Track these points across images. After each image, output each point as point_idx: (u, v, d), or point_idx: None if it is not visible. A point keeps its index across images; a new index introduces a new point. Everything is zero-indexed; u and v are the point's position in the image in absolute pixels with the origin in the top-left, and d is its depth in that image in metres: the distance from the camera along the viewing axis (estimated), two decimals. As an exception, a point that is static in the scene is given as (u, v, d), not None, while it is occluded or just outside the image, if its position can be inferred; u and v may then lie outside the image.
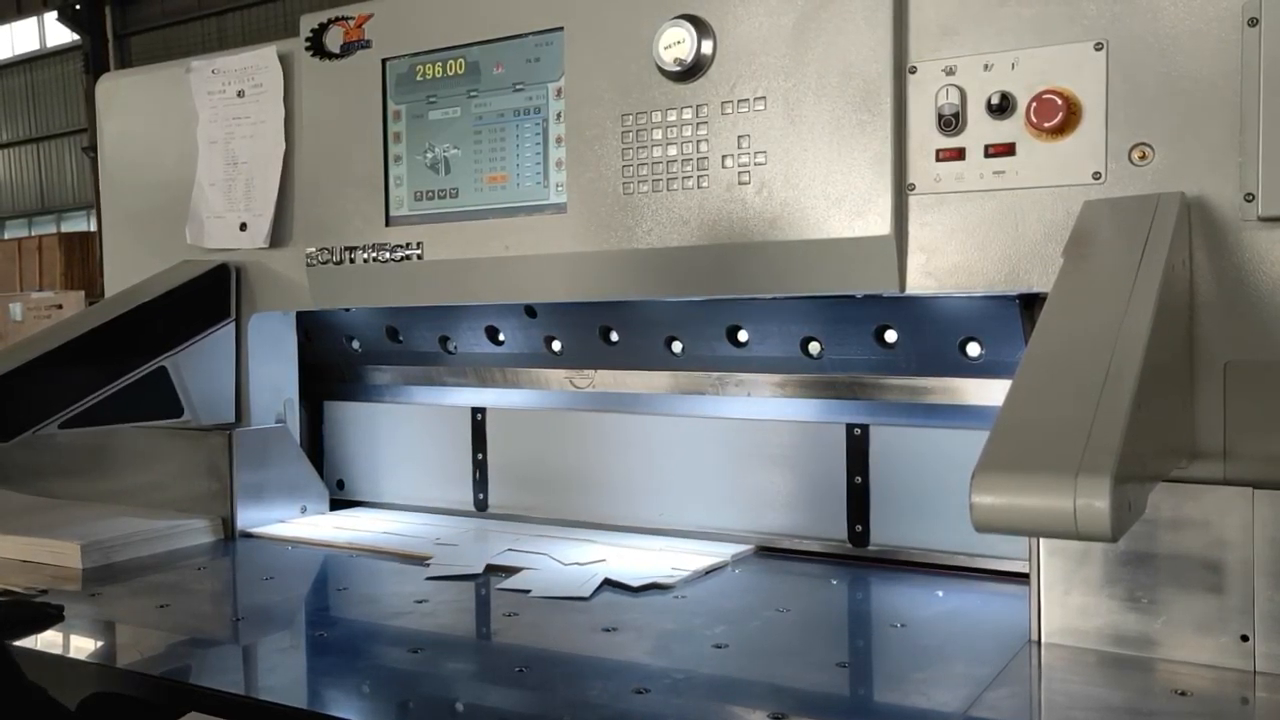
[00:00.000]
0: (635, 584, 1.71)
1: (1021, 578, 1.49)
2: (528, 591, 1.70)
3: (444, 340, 2.29)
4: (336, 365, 2.46)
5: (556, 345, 2.17)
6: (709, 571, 1.81)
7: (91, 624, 1.63)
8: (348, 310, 2.31)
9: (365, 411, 2.43)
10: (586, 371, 2.17)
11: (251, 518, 2.16)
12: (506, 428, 2.25)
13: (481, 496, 2.26)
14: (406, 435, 2.37)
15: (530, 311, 2.14)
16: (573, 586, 1.71)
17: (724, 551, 1.89)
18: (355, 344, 2.41)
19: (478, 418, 2.27)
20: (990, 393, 1.75)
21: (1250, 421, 1.31)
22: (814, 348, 1.91)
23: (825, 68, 1.54)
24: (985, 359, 1.76)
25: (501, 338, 2.22)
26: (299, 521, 2.23)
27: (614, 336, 2.10)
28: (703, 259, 1.65)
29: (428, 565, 1.87)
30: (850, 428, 1.87)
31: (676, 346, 2.04)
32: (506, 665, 1.42)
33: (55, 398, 1.91)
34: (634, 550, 1.93)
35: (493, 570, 1.83)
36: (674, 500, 2.03)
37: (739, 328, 1.96)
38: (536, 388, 2.24)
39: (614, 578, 1.74)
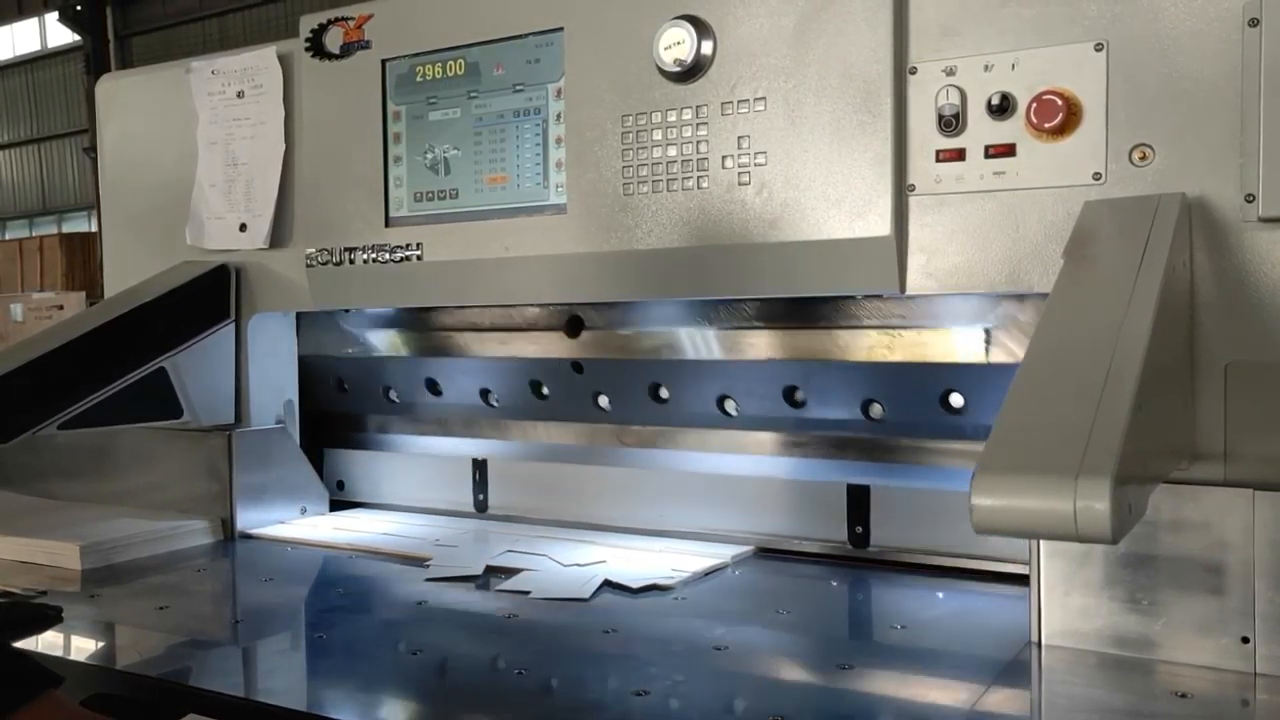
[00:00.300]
0: (635, 585, 1.71)
1: (1022, 579, 1.48)
2: (527, 593, 1.69)
3: (485, 393, 2.23)
4: (373, 414, 2.40)
5: (604, 400, 2.10)
6: (709, 573, 1.80)
7: (91, 625, 1.63)
8: (373, 357, 2.28)
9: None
10: (634, 428, 2.08)
11: (251, 519, 2.15)
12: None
13: (481, 497, 2.26)
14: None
15: (577, 367, 2.09)
16: (572, 588, 1.70)
17: (724, 553, 1.89)
18: (393, 394, 2.35)
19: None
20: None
21: (1251, 423, 1.30)
22: (875, 410, 1.84)
23: (825, 68, 1.54)
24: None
25: (545, 391, 2.15)
26: (299, 523, 2.23)
27: (664, 394, 2.03)
28: (702, 260, 1.64)
29: (427, 567, 1.87)
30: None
31: (730, 406, 1.97)
32: (506, 667, 1.42)
33: (55, 398, 1.90)
34: (634, 552, 1.92)
35: (492, 571, 1.83)
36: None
37: (796, 388, 1.90)
38: (582, 443, 2.15)
39: (614, 579, 1.74)
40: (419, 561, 1.90)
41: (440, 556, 1.92)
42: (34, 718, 1.07)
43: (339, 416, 2.40)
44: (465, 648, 1.54)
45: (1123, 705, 1.22)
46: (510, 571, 1.81)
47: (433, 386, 2.28)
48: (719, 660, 1.41)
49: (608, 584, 1.73)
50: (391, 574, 1.88)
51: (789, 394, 1.90)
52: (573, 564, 1.84)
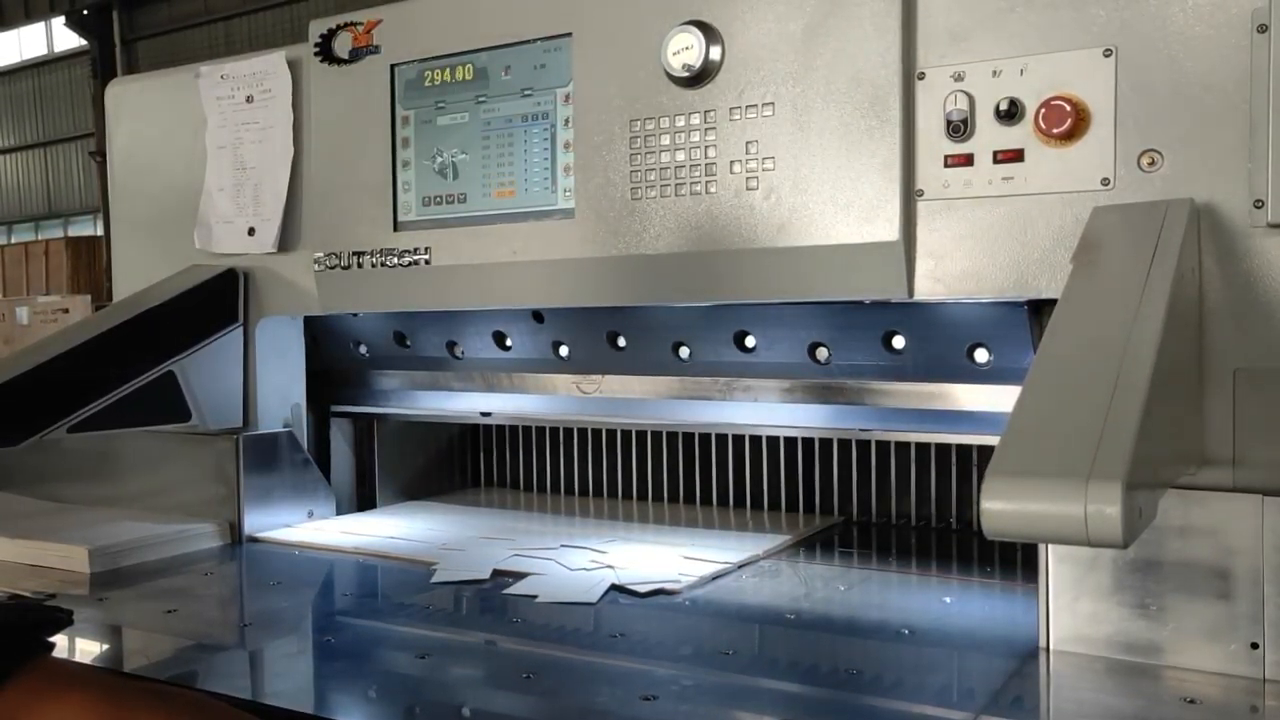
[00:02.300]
0: (642, 589, 1.71)
1: (1029, 583, 1.49)
2: (534, 596, 1.70)
3: (451, 345, 2.30)
4: (344, 371, 2.46)
5: (564, 350, 2.18)
6: (716, 577, 1.81)
7: (99, 628, 1.63)
8: (355, 315, 2.31)
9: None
10: (593, 377, 2.18)
11: (259, 522, 2.16)
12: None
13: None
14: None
15: (538, 316, 2.15)
16: (579, 591, 1.70)
17: (730, 557, 1.89)
18: (363, 349, 2.41)
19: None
20: (996, 398, 1.76)
21: (1259, 428, 1.30)
22: (821, 353, 1.92)
23: (833, 74, 1.54)
24: (993, 365, 1.76)
25: (509, 343, 2.23)
26: (306, 526, 2.23)
27: (621, 342, 2.10)
28: (710, 264, 1.65)
29: (434, 570, 1.87)
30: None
31: (684, 352, 2.06)
32: (513, 671, 1.42)
33: (64, 402, 1.91)
34: (640, 555, 1.93)
35: (499, 575, 1.83)
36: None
37: (747, 333, 1.98)
38: (543, 393, 2.25)
39: (621, 582, 1.74)
40: (426, 565, 1.91)
41: (447, 560, 1.92)
42: (29, 684, 1.06)
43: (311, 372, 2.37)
44: (472, 652, 1.55)
45: (1131, 711, 1.22)
46: (517, 575, 1.81)
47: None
48: (726, 664, 1.41)
49: (615, 588, 1.73)
50: (398, 578, 1.88)
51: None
52: (579, 568, 1.85)
